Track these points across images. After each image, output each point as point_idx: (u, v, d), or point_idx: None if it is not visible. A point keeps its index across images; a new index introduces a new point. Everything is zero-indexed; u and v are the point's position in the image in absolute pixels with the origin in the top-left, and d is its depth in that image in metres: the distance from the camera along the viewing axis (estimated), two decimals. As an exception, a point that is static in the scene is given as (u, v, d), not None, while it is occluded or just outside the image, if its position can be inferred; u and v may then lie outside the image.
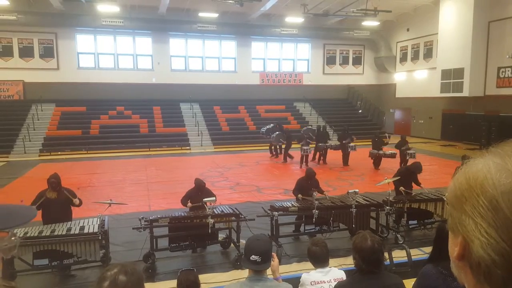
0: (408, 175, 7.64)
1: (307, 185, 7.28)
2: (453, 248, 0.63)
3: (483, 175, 0.59)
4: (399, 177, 7.40)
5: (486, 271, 0.56)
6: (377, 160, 13.96)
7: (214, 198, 6.20)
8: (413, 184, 7.71)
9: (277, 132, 16.47)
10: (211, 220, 5.95)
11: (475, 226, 0.58)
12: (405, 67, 25.55)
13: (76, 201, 6.00)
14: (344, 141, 14.71)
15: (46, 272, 5.68)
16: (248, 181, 12.00)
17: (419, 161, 8.22)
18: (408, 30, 24.77)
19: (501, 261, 0.54)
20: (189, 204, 6.54)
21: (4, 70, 20.81)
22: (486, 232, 0.56)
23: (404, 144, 13.54)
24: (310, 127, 17.52)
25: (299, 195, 7.13)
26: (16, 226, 1.35)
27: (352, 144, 14.65)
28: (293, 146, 15.47)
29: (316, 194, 7.14)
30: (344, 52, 26.91)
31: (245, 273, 2.72)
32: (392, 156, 13.60)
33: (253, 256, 2.40)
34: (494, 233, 0.55)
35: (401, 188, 7.38)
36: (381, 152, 13.88)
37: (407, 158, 13.04)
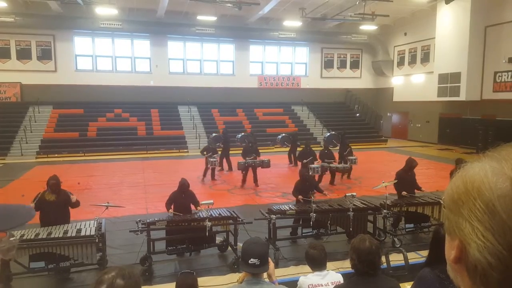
0: (407, 176, 7.62)
1: (305, 187, 7.29)
2: (450, 251, 0.64)
3: (480, 179, 0.59)
4: (396, 181, 7.41)
5: (482, 274, 0.57)
6: (331, 175, 11.75)
7: (211, 201, 6.19)
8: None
9: (283, 134, 16.21)
10: (208, 223, 5.95)
11: (472, 229, 0.58)
12: (402, 71, 25.64)
13: (73, 198, 5.91)
14: (305, 161, 11.56)
15: (42, 275, 5.64)
16: (246, 184, 11.99)
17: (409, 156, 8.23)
18: (405, 34, 24.87)
19: (497, 264, 0.55)
20: (171, 211, 6.35)
21: (1, 72, 20.75)
22: (483, 235, 0.57)
23: (345, 149, 12.66)
24: (215, 134, 15.37)
25: (300, 196, 7.13)
26: (15, 227, 1.35)
27: (315, 165, 11.06)
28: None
29: (316, 196, 7.14)
30: (342, 56, 27.00)
31: (242, 276, 2.72)
32: (346, 170, 12.16)
33: (251, 259, 2.40)
34: (490, 237, 0.56)
35: (404, 192, 7.36)
36: (333, 166, 11.60)
37: (349, 164, 12.04)
